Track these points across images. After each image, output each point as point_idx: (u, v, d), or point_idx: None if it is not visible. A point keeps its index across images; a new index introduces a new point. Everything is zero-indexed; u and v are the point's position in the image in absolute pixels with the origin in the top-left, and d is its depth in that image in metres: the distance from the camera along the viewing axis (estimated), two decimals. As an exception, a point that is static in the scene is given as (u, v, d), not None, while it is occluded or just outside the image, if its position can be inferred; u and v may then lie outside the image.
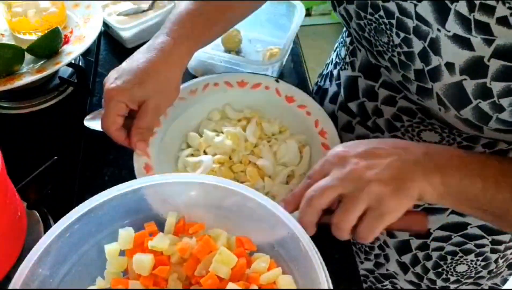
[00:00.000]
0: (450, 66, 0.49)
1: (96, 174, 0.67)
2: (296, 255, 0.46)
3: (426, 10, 0.49)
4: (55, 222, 0.47)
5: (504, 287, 0.81)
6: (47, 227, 0.55)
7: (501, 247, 0.70)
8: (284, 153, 0.65)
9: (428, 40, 0.50)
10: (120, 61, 0.84)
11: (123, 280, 0.48)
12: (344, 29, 0.74)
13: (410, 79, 0.54)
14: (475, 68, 0.47)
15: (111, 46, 0.86)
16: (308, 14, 2.58)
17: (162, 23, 0.85)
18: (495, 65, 0.46)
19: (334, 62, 0.77)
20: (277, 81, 0.71)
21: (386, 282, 0.82)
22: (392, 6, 0.52)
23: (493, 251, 0.70)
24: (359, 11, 0.57)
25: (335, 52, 0.78)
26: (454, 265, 0.73)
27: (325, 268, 0.43)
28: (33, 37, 0.76)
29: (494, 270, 0.74)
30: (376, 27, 0.55)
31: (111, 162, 0.68)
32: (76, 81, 0.75)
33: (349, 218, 0.46)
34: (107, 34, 0.88)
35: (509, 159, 0.53)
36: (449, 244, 0.70)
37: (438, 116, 0.57)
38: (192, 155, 0.66)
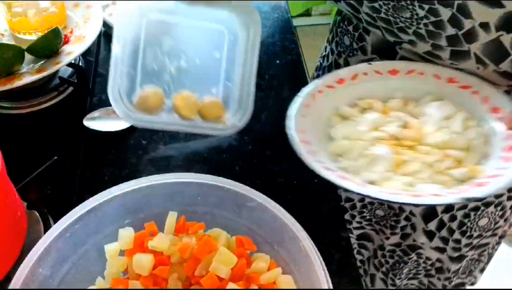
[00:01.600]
0: (484, 25, 0.51)
1: (96, 174, 0.67)
2: (296, 255, 0.46)
3: None
4: (55, 222, 0.47)
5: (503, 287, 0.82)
6: (47, 227, 0.55)
7: None
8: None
9: (455, 6, 0.51)
10: (120, 61, 0.85)
11: (123, 280, 0.48)
12: (340, 18, 0.74)
13: (441, 46, 0.55)
14: (510, 22, 0.49)
15: (111, 46, 0.86)
16: (308, 14, 2.58)
17: (162, 23, 0.86)
18: None
19: (336, 51, 0.78)
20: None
21: (412, 255, 0.83)
22: None
23: (509, 198, 0.72)
24: None
25: (334, 42, 0.79)
26: (477, 219, 0.74)
27: (325, 268, 0.43)
28: (33, 37, 0.76)
29: (509, 216, 0.77)
30: (394, 5, 0.56)
31: (111, 162, 0.68)
32: (76, 81, 0.75)
33: None
34: (107, 34, 0.88)
35: None
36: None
37: (474, 74, 0.59)
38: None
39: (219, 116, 0.63)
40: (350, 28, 0.72)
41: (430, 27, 0.54)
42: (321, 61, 0.86)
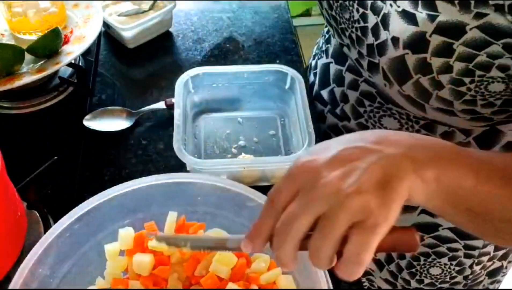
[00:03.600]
0: (395, 40, 0.50)
1: (96, 174, 0.67)
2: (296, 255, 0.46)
3: None
4: (55, 222, 0.47)
5: (501, 286, 0.81)
6: (47, 227, 0.55)
7: (475, 253, 0.69)
8: None
9: (381, 15, 0.52)
10: (120, 61, 0.85)
11: (123, 280, 0.48)
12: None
13: (363, 55, 0.56)
14: (417, 43, 0.49)
15: (111, 46, 0.87)
16: (308, 14, 2.58)
17: (162, 23, 0.87)
18: (435, 41, 0.47)
19: (314, 53, 0.79)
20: None
21: (364, 279, 0.83)
22: None
23: (466, 256, 0.70)
24: None
25: (316, 45, 0.80)
26: (427, 266, 0.73)
27: (325, 268, 0.43)
28: (33, 37, 0.76)
29: (471, 276, 0.74)
30: (341, 3, 0.57)
31: (111, 162, 0.68)
32: (76, 81, 0.75)
33: (329, 243, 0.36)
34: (107, 34, 0.88)
35: (498, 154, 0.48)
36: (421, 245, 0.70)
37: (385, 94, 0.59)
38: None
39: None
40: (325, 30, 0.73)
41: (359, 32, 0.55)
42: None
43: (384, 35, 0.51)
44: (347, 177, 0.36)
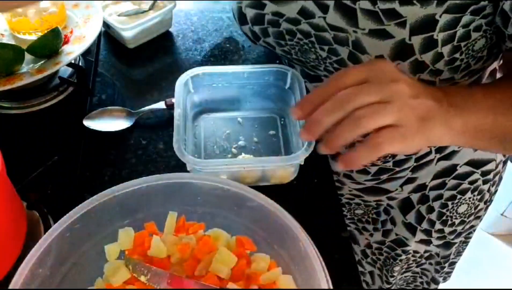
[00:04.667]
0: (380, 57, 0.53)
1: (96, 174, 0.67)
2: (296, 255, 0.46)
3: (335, 18, 0.53)
4: (55, 222, 0.47)
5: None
6: (47, 227, 0.55)
7: (490, 176, 0.75)
8: None
9: (351, 44, 0.53)
10: (120, 61, 0.85)
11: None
12: None
13: None
14: (402, 51, 0.51)
15: (111, 46, 0.87)
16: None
17: (162, 23, 0.87)
18: (417, 40, 0.51)
19: None
20: None
21: (399, 250, 0.85)
22: (305, 27, 0.55)
23: (484, 182, 0.75)
24: (278, 41, 0.60)
25: None
26: (455, 208, 0.76)
27: (325, 268, 0.43)
28: (33, 37, 0.76)
29: (488, 199, 0.79)
30: (300, 48, 0.58)
31: (111, 162, 0.68)
32: (76, 81, 0.75)
33: (376, 121, 0.42)
34: (107, 34, 0.88)
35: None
36: (446, 189, 0.74)
37: None
38: None
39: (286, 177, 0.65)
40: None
41: (335, 65, 0.56)
42: None
43: (365, 58, 0.53)
44: (413, 95, 0.43)
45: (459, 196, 0.75)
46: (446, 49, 0.52)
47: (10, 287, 0.42)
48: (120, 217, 0.50)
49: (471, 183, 0.74)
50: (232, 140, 0.70)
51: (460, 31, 0.51)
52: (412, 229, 0.81)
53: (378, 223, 0.84)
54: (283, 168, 0.62)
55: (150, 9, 0.85)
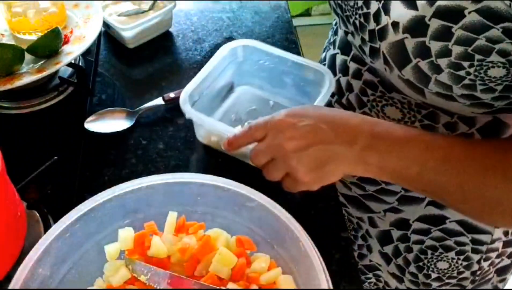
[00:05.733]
0: (395, 25, 0.51)
1: (96, 174, 0.67)
2: (296, 255, 0.46)
3: None
4: (55, 222, 0.47)
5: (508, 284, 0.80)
6: (47, 227, 0.55)
7: (483, 248, 0.70)
8: None
9: (382, 1, 0.52)
10: (120, 61, 0.85)
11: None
12: None
13: (365, 40, 0.56)
14: (416, 27, 0.49)
15: (111, 46, 0.87)
16: (308, 14, 2.58)
17: (162, 23, 0.87)
18: (434, 24, 0.48)
19: (324, 47, 0.80)
20: None
21: (370, 275, 0.83)
22: None
23: (474, 251, 0.70)
24: None
25: (327, 39, 0.81)
26: (435, 260, 0.73)
27: (325, 268, 0.43)
28: (33, 37, 0.76)
29: (478, 272, 0.73)
30: None
31: (111, 162, 0.68)
32: (76, 81, 0.75)
33: (271, 177, 0.55)
34: (107, 34, 0.88)
35: (465, 141, 0.54)
36: (428, 238, 0.71)
37: (386, 82, 0.60)
38: None
39: None
40: (334, 22, 0.74)
41: (362, 19, 0.56)
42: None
43: (385, 20, 0.52)
44: (299, 151, 0.52)
45: (440, 250, 0.71)
46: (457, 49, 0.47)
47: (10, 287, 0.42)
48: (120, 217, 0.50)
49: (457, 244, 0.69)
50: (252, 116, 0.72)
51: (481, 41, 0.46)
52: (387, 259, 0.78)
53: (355, 245, 0.82)
54: None
55: (150, 9, 0.85)
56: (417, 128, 0.60)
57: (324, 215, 0.64)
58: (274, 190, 0.63)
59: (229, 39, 0.88)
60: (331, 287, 0.42)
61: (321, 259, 0.44)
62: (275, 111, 0.62)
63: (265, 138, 0.54)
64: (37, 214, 0.56)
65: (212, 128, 0.65)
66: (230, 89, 0.76)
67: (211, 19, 0.92)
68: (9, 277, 0.45)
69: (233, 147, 0.58)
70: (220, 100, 0.74)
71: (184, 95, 0.65)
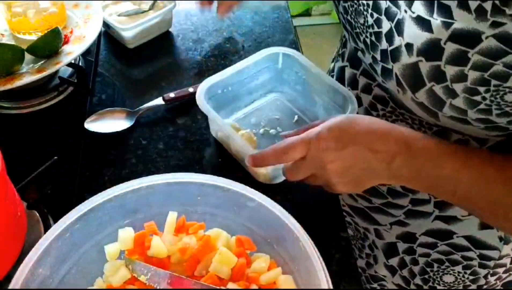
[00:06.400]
0: (409, 46, 0.50)
1: (96, 174, 0.67)
2: (296, 255, 0.46)
3: None
4: (55, 222, 0.47)
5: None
6: (47, 227, 0.55)
7: (490, 263, 0.69)
8: None
9: (395, 21, 0.51)
10: (120, 61, 0.85)
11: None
12: None
13: (377, 60, 0.56)
14: (431, 50, 0.48)
15: (111, 46, 0.87)
16: (308, 14, 2.58)
17: (162, 23, 0.87)
18: (450, 48, 0.46)
19: (333, 57, 0.80)
20: None
21: (375, 285, 0.83)
22: None
23: (481, 265, 0.69)
24: None
25: (336, 49, 0.80)
26: (441, 274, 0.73)
27: (325, 268, 0.43)
28: (33, 37, 0.76)
29: (485, 287, 0.73)
30: (356, 8, 0.57)
31: (111, 162, 0.68)
32: (76, 81, 0.75)
33: (304, 182, 0.57)
34: (107, 34, 0.88)
35: (498, 159, 0.52)
36: (435, 251, 0.70)
37: (398, 100, 0.59)
38: None
39: None
40: (342, 34, 0.73)
41: (373, 37, 0.55)
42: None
43: (398, 41, 0.51)
44: (341, 172, 0.53)
45: (447, 264, 0.71)
46: (473, 74, 0.46)
47: (10, 287, 0.42)
48: (120, 217, 0.50)
49: (464, 258, 0.69)
50: (272, 125, 0.73)
51: (498, 66, 0.45)
52: (392, 270, 0.78)
53: (363, 253, 0.82)
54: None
55: (150, 9, 0.85)
56: (451, 143, 0.57)
57: (324, 215, 0.64)
58: (274, 190, 0.63)
59: (229, 39, 0.88)
60: (331, 287, 0.42)
61: (321, 259, 0.44)
62: (298, 126, 0.64)
63: (304, 157, 0.54)
64: (37, 214, 0.56)
65: (215, 123, 0.65)
66: (264, 92, 0.76)
67: (211, 19, 0.92)
68: (9, 277, 0.45)
69: (258, 165, 0.58)
70: (248, 100, 0.75)
71: (205, 84, 0.66)
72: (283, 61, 0.72)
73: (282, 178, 0.63)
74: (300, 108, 0.75)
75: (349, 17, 0.59)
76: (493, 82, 0.46)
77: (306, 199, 0.65)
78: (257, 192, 0.49)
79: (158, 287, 0.46)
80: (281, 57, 0.72)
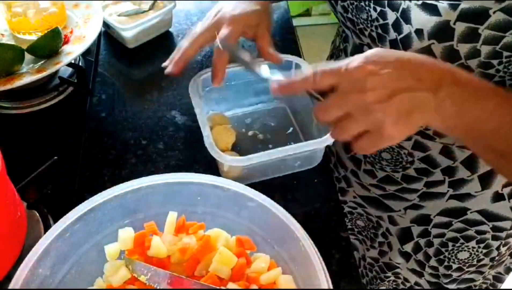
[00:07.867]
0: (419, 32, 0.51)
1: (96, 174, 0.67)
2: (296, 255, 0.46)
3: None
4: (55, 222, 0.47)
5: (503, 286, 0.81)
6: (47, 227, 0.55)
7: (503, 234, 0.71)
8: None
9: (400, 10, 0.53)
10: (120, 61, 0.85)
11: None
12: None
13: None
14: (442, 32, 0.50)
15: (111, 46, 0.86)
16: (308, 14, 2.58)
17: (162, 23, 0.87)
18: (460, 27, 0.49)
19: (330, 53, 0.80)
20: None
21: (389, 273, 0.83)
22: None
23: (494, 238, 0.71)
24: None
25: (332, 44, 0.80)
26: (455, 251, 0.74)
27: (325, 268, 0.43)
28: (33, 37, 0.76)
29: (497, 258, 0.75)
30: (357, 5, 0.58)
31: (111, 162, 0.68)
32: (76, 81, 0.75)
33: (347, 135, 0.46)
34: (107, 34, 0.88)
35: None
36: (450, 230, 0.71)
37: None
38: None
39: None
40: (341, 29, 0.73)
41: (379, 30, 0.56)
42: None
43: (407, 29, 0.52)
44: (383, 101, 0.44)
45: (461, 241, 0.72)
46: (485, 49, 0.48)
47: (10, 287, 0.42)
48: (120, 217, 0.50)
49: (478, 233, 0.70)
50: (264, 130, 0.73)
51: (508, 38, 0.47)
52: (406, 256, 0.78)
53: (376, 242, 0.82)
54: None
55: (150, 9, 0.85)
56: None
57: (324, 215, 0.64)
58: (274, 190, 0.63)
59: (229, 39, 0.88)
60: (331, 287, 0.42)
61: (321, 259, 0.44)
62: (289, 139, 0.63)
63: (336, 89, 0.45)
64: (37, 214, 0.56)
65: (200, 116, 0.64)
66: (272, 98, 0.76)
67: (211, 19, 0.92)
68: (9, 277, 0.45)
69: (284, 91, 0.49)
70: (253, 101, 0.74)
71: (202, 72, 0.67)
72: (296, 71, 0.71)
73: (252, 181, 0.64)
74: (299, 122, 0.74)
75: (350, 15, 0.60)
76: (505, 53, 0.48)
77: (306, 199, 0.65)
78: (257, 192, 0.49)
79: (158, 287, 0.46)
80: (294, 66, 0.70)
